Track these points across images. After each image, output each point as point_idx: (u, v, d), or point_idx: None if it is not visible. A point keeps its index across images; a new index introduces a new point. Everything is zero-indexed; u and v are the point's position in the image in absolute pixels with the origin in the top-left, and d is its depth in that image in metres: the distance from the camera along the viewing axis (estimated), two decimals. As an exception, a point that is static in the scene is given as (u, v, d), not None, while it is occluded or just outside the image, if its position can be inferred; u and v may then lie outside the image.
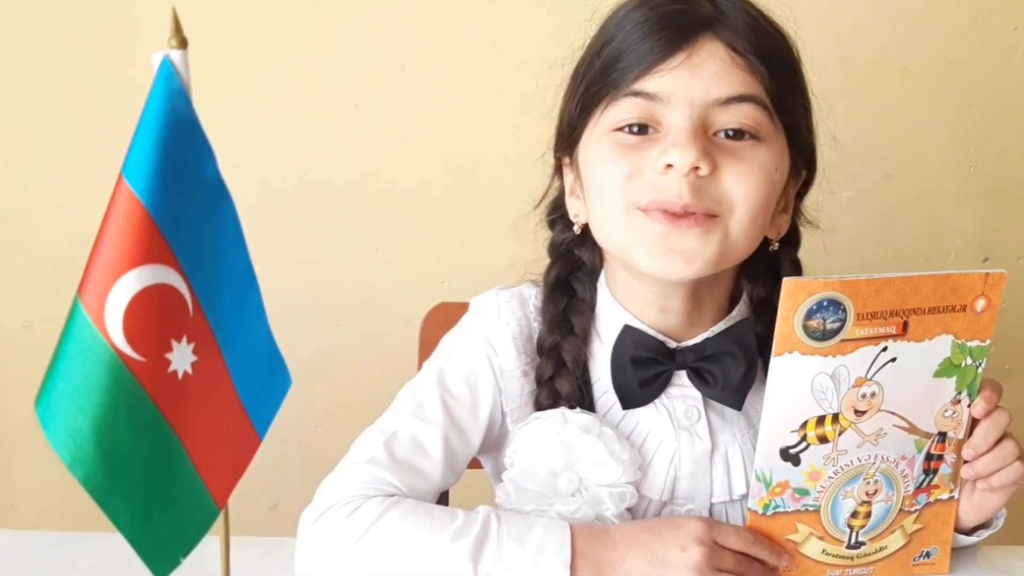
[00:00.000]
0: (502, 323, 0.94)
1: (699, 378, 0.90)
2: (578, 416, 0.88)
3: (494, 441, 0.95)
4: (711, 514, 0.91)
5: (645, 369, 0.90)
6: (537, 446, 0.87)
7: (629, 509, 0.88)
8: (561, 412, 0.88)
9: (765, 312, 0.92)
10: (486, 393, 0.92)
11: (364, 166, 1.50)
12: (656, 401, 0.91)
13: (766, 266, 0.94)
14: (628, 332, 0.91)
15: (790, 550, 0.84)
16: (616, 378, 0.90)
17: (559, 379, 0.91)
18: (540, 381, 0.92)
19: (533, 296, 0.97)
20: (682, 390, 0.91)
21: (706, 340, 0.91)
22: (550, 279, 0.96)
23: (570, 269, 0.96)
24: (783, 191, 0.90)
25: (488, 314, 0.95)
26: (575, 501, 0.86)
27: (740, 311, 0.94)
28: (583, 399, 0.91)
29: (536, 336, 0.94)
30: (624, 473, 0.86)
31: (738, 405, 0.90)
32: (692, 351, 0.91)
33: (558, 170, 0.97)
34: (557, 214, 0.98)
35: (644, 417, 0.91)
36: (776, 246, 0.92)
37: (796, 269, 0.95)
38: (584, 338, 0.93)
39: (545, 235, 1.00)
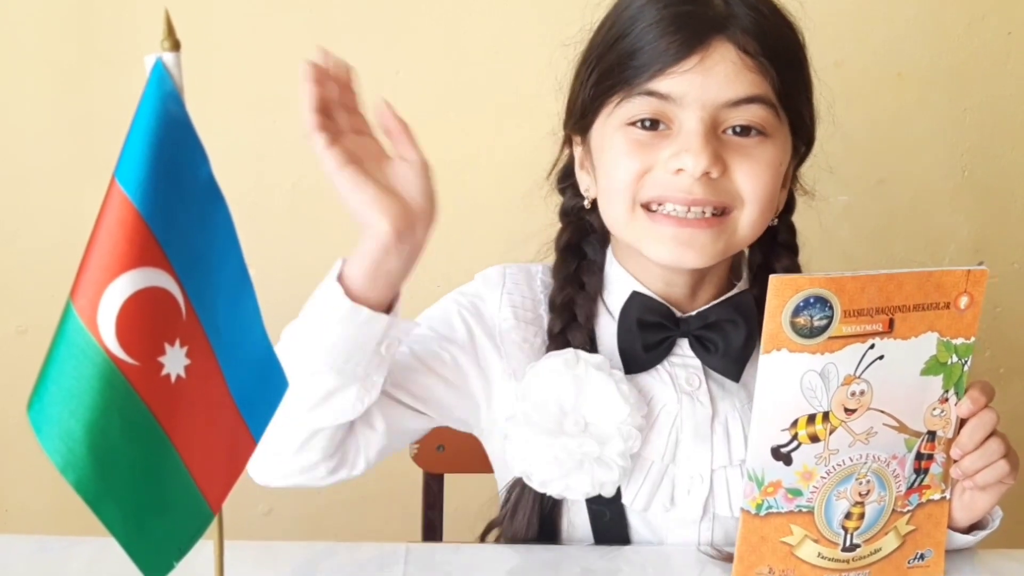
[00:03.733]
0: (504, 291, 0.97)
1: (701, 346, 0.93)
2: (591, 356, 0.91)
3: (482, 403, 0.96)
4: (712, 480, 0.93)
5: (651, 333, 0.93)
6: (550, 380, 0.89)
7: (628, 492, 0.90)
8: (574, 351, 0.91)
9: (763, 278, 0.94)
10: (466, 357, 0.95)
11: (359, 171, 1.50)
12: (659, 366, 0.94)
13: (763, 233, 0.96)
14: (636, 297, 0.94)
15: (784, 553, 0.84)
16: (622, 340, 0.93)
17: (571, 332, 0.94)
18: (551, 334, 0.95)
19: (540, 272, 0.99)
20: (683, 359, 0.95)
21: (709, 308, 0.94)
22: (562, 243, 0.99)
23: (581, 234, 0.99)
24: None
25: (492, 281, 0.98)
26: (583, 436, 0.88)
27: (742, 284, 0.98)
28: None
29: (540, 308, 0.96)
30: (631, 414, 0.89)
31: (736, 375, 0.93)
32: (696, 319, 0.94)
33: (567, 141, 0.99)
34: (567, 182, 1.00)
35: (648, 382, 0.94)
36: (775, 220, 0.95)
37: (791, 233, 0.99)
38: (594, 298, 0.96)
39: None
